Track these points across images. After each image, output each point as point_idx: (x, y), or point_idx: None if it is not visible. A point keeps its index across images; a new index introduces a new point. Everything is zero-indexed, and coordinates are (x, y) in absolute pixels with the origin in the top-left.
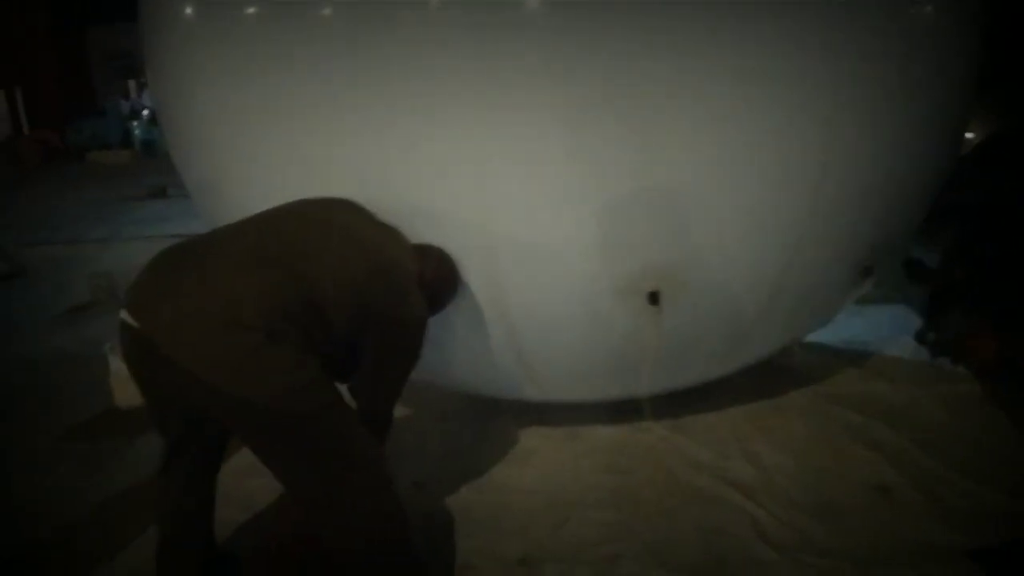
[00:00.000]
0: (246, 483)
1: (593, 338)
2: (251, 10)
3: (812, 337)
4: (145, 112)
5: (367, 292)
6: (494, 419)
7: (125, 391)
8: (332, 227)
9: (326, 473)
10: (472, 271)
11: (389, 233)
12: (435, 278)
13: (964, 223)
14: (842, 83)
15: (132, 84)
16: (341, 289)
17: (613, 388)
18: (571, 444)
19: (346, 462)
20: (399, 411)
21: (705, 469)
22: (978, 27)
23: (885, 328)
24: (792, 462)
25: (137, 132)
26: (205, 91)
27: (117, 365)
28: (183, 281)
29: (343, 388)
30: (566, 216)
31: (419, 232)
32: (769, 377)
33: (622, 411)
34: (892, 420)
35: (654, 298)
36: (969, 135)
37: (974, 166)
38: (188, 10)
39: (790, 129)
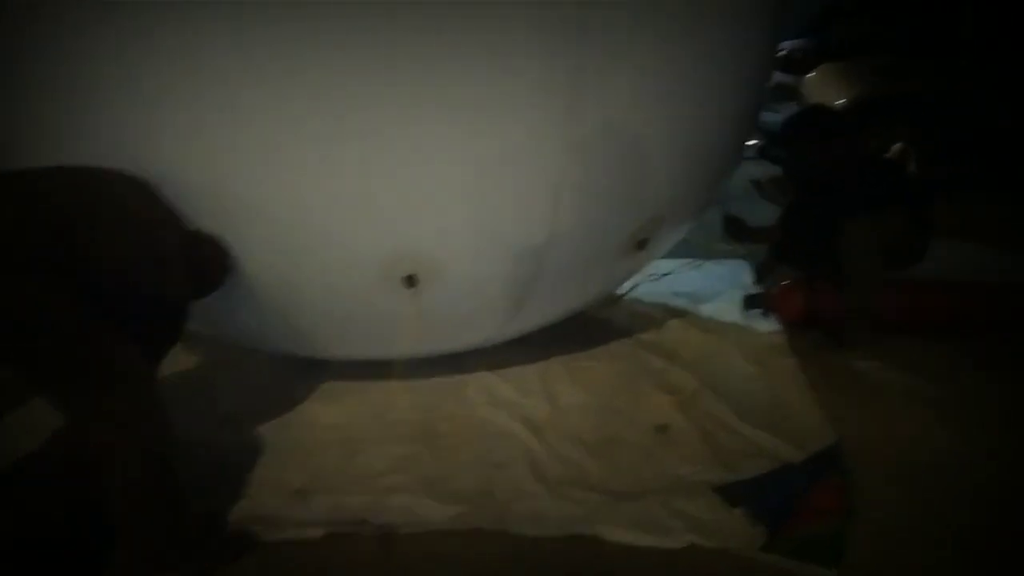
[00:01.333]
0: None
1: (361, 312)
2: None
3: (645, 289)
4: None
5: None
6: (316, 362)
7: None
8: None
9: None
10: (257, 250)
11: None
12: (201, 258)
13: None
14: (584, 56)
15: None
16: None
17: (385, 351)
18: (385, 384)
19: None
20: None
21: (504, 406)
22: None
23: (720, 282)
24: (588, 402)
25: None
26: None
27: None
28: None
29: None
30: (331, 202)
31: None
32: (591, 326)
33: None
34: (694, 367)
35: (411, 281)
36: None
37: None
38: None
39: (529, 111)
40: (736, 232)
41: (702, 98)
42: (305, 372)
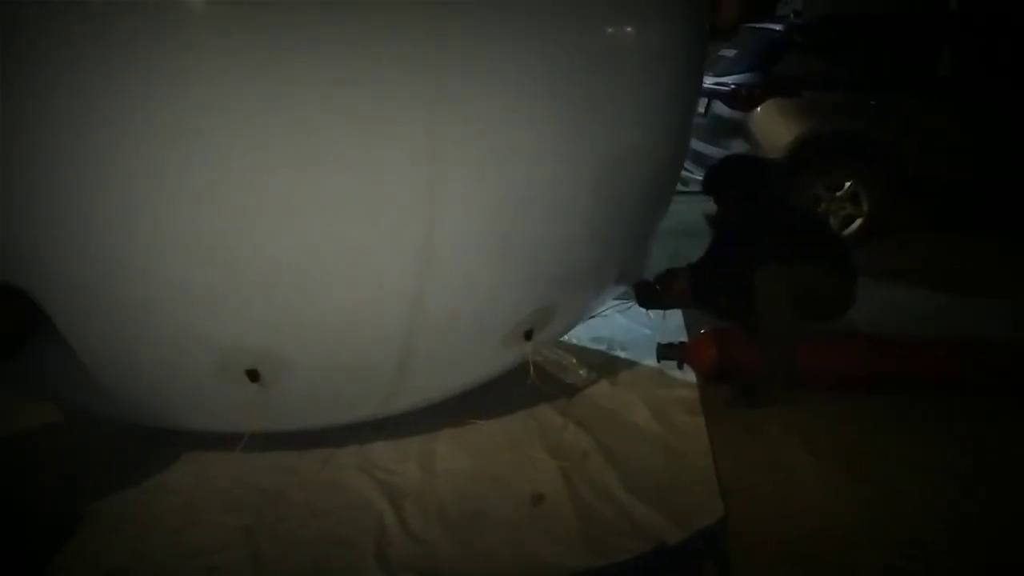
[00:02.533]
0: None
1: (204, 394)
2: None
3: (569, 335)
4: None
5: None
6: None
7: None
8: None
9: None
10: (89, 323)
11: None
12: None
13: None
14: (439, 147)
15: None
16: None
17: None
18: (271, 444)
19: None
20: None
21: (374, 472)
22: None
23: (645, 328)
24: (465, 467)
25: None
26: None
27: None
28: None
29: None
30: (163, 282)
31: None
32: (500, 376)
33: None
34: (592, 425)
35: (253, 376)
36: None
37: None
38: None
39: (390, 188)
40: (646, 300)
41: (594, 169)
42: (165, 436)
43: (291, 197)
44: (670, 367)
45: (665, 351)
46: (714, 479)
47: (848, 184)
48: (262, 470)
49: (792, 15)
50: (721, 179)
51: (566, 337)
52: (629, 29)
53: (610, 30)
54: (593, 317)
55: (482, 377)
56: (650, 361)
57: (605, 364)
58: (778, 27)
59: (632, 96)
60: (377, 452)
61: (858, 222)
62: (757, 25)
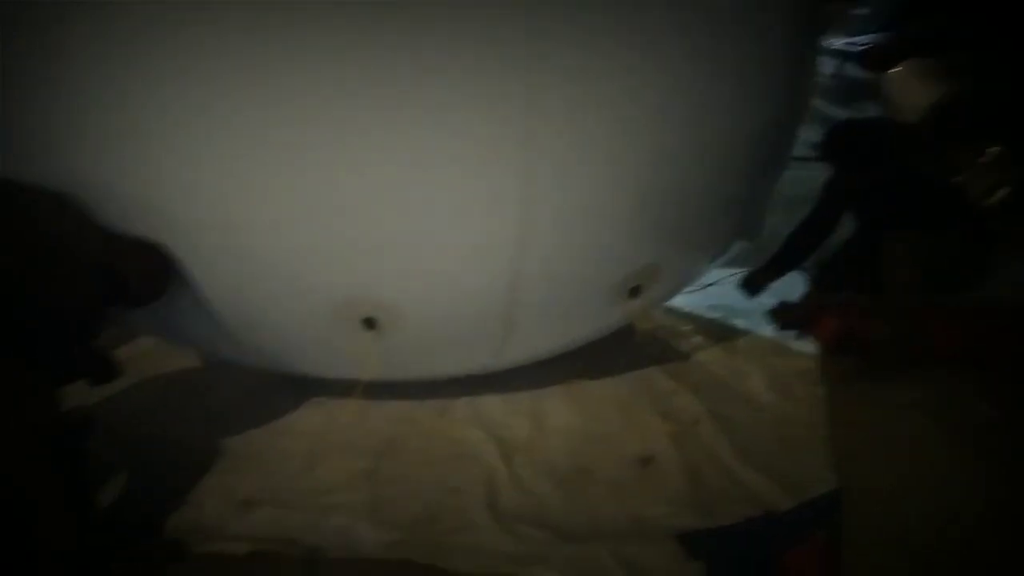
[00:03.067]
0: None
1: (323, 342)
2: None
3: (680, 299)
4: None
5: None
6: None
7: None
8: None
9: None
10: (220, 272)
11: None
12: (129, 272)
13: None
14: (542, 91)
15: None
16: None
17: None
18: (390, 394)
19: None
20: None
21: (484, 427)
22: None
23: (767, 296)
24: (577, 425)
25: None
26: None
27: None
28: None
29: None
30: (287, 237)
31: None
32: (613, 338)
33: None
34: (705, 391)
35: (370, 324)
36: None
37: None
38: None
39: (489, 156)
40: (753, 287)
41: (704, 124)
42: (293, 381)
43: (398, 156)
44: (788, 337)
45: (781, 318)
46: (828, 450)
47: (994, 150)
48: (381, 418)
49: None
50: (841, 143)
51: (680, 303)
52: None
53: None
54: (711, 285)
55: (589, 334)
56: (768, 330)
57: (721, 332)
58: None
59: (744, 51)
60: (489, 407)
61: (1004, 190)
62: None
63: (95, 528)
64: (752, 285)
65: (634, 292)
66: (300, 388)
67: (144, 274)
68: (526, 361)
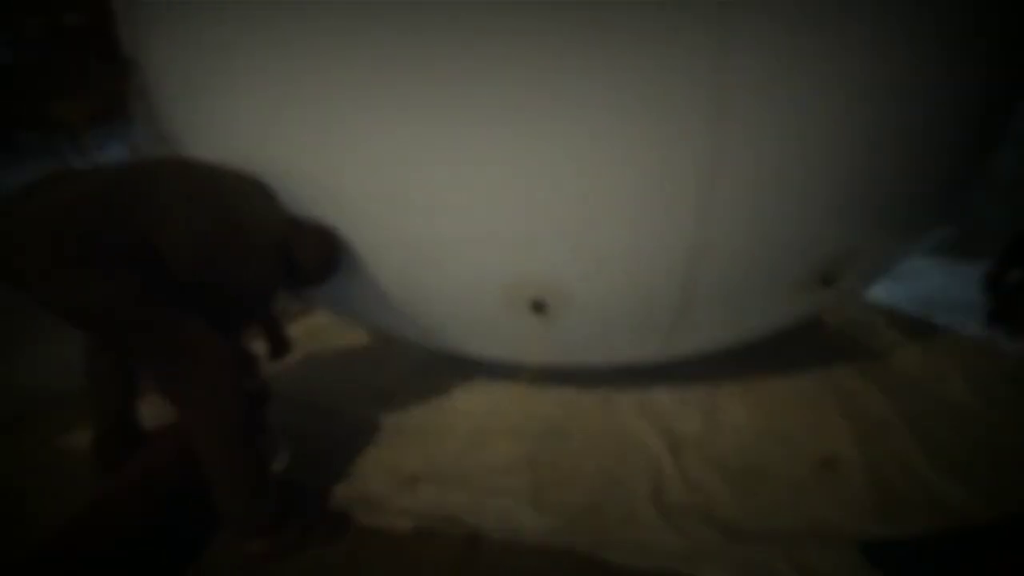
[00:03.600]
0: None
1: (491, 323)
2: None
3: (877, 290)
4: None
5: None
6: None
7: None
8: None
9: (167, 371)
10: (392, 254)
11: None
12: (305, 254)
13: None
14: (728, 79)
15: None
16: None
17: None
18: (555, 381)
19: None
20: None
21: (653, 418)
22: None
23: (972, 290)
24: (753, 422)
25: None
26: None
27: None
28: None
29: None
30: (457, 220)
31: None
32: (795, 334)
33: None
34: (896, 392)
35: (539, 307)
36: None
37: None
38: None
39: (670, 132)
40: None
41: (910, 93)
42: (460, 362)
43: (574, 137)
44: (999, 336)
45: (997, 316)
46: None
47: None
48: (546, 403)
49: None
50: None
51: (877, 294)
52: None
53: None
54: (911, 276)
55: (771, 326)
56: (973, 328)
57: (920, 328)
58: None
59: (945, 24)
60: (657, 399)
61: None
62: None
63: (268, 496)
64: (987, 283)
65: (827, 279)
66: (467, 369)
67: (319, 255)
68: (701, 352)
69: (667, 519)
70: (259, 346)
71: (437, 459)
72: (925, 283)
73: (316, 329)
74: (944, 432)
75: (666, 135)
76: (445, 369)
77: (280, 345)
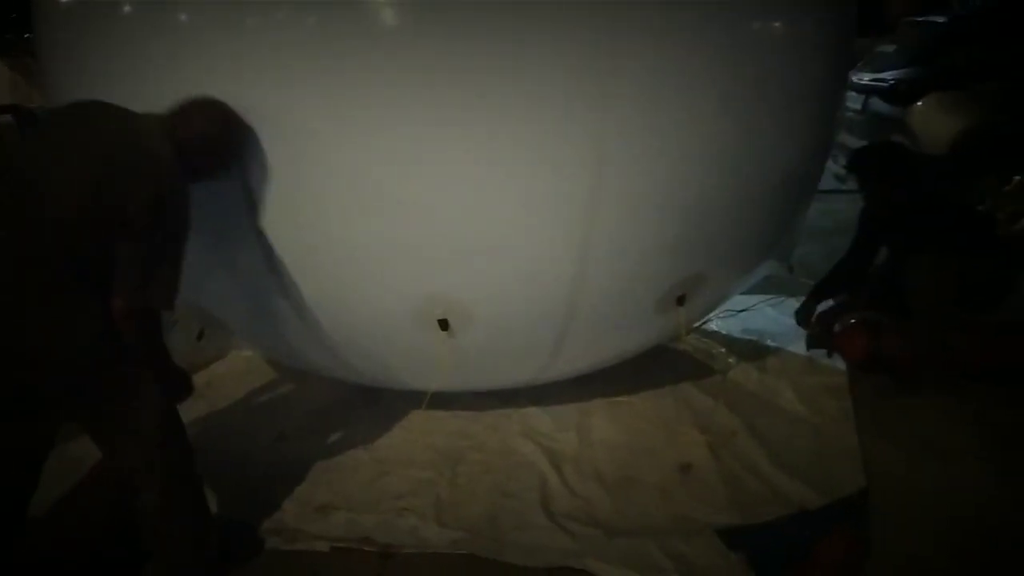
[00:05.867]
0: None
1: (400, 346)
2: None
3: (716, 324)
4: None
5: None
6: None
7: None
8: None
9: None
10: (307, 279)
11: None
12: (196, 136)
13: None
14: (609, 120)
15: None
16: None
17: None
18: (430, 412)
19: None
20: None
21: (536, 439)
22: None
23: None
24: (620, 439)
25: None
26: None
27: None
28: None
29: None
30: (370, 241)
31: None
32: (647, 361)
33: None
34: (740, 407)
35: (444, 325)
36: None
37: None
38: None
39: (556, 161)
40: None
41: (747, 144)
42: (363, 396)
43: (472, 158)
44: (820, 355)
45: (814, 339)
46: (858, 456)
47: (1017, 179)
48: (441, 432)
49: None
50: (869, 161)
51: (717, 328)
52: (777, 24)
53: (757, 25)
54: (744, 311)
55: (640, 343)
56: (799, 350)
57: (754, 352)
58: (941, 20)
59: (779, 83)
60: (538, 421)
61: None
62: (919, 19)
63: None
64: (803, 313)
65: (680, 301)
66: (366, 406)
67: (205, 124)
68: (575, 373)
69: (555, 523)
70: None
71: (346, 489)
72: (758, 316)
73: (217, 378)
74: (780, 437)
75: (555, 158)
76: (344, 408)
77: (181, 386)
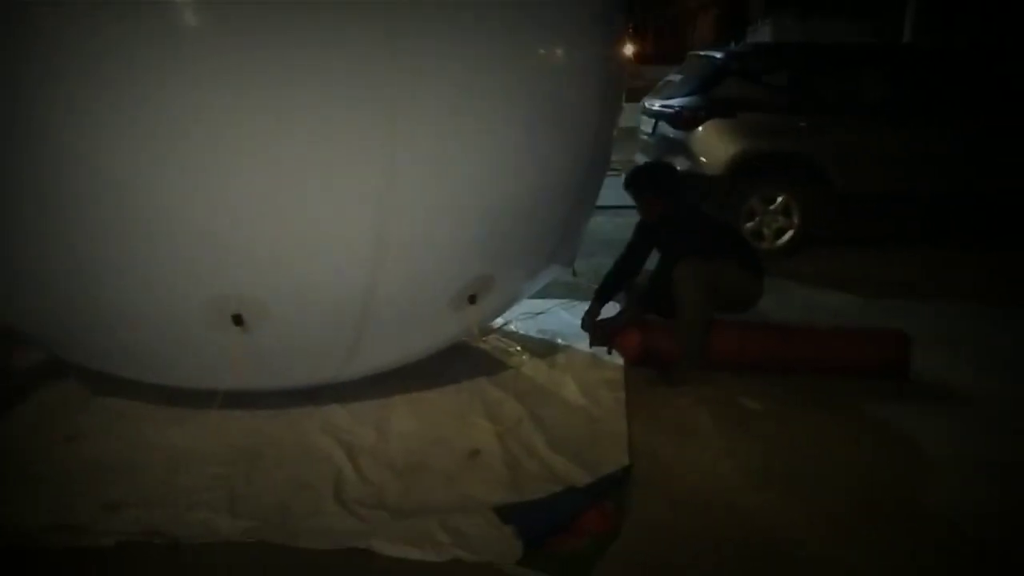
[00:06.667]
0: None
1: (193, 343)
2: None
3: (514, 326)
4: None
5: None
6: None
7: None
8: None
9: None
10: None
11: None
12: None
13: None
14: (404, 124)
15: None
16: None
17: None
18: (231, 411)
19: None
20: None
21: (334, 434)
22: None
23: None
24: (415, 430)
25: None
26: None
27: None
28: None
29: None
30: (163, 232)
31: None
32: (451, 358)
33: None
34: (528, 398)
35: (238, 320)
36: None
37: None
38: None
39: (352, 167)
40: (598, 340)
41: (528, 155)
42: (158, 395)
43: (270, 157)
44: (601, 352)
45: (595, 338)
46: (624, 440)
47: (780, 198)
48: (238, 430)
49: (732, 44)
50: (644, 179)
51: (515, 328)
52: (559, 51)
53: (542, 51)
54: (540, 313)
55: (435, 342)
56: (584, 348)
57: (546, 350)
58: (718, 55)
59: (554, 105)
60: (338, 417)
61: (790, 233)
62: (701, 53)
63: None
64: (587, 315)
65: (472, 299)
66: (163, 406)
67: None
68: (374, 370)
69: (346, 508)
70: None
71: (138, 486)
72: (553, 318)
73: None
74: (562, 425)
75: (349, 160)
76: (139, 408)
77: None
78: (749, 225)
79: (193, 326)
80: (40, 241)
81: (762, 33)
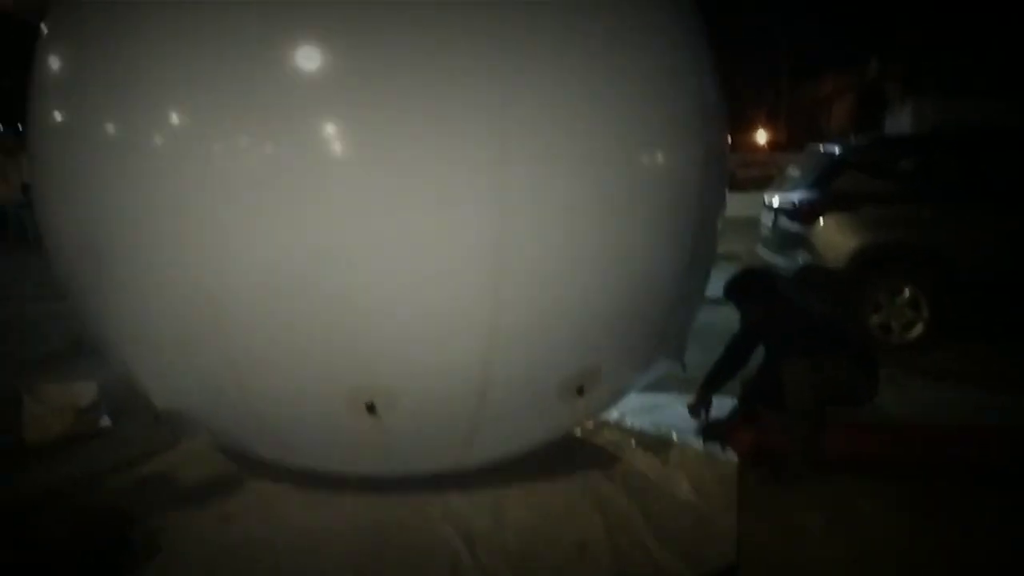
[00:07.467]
0: None
1: (328, 430)
2: None
3: (630, 420)
4: None
5: None
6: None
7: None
8: None
9: None
10: (250, 362)
11: None
12: None
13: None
14: (511, 214)
15: None
16: None
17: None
18: (373, 495)
19: None
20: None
21: (452, 518)
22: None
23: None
24: (531, 520)
25: None
26: None
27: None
28: None
29: None
30: (310, 330)
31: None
32: (567, 450)
33: None
34: (639, 494)
35: (371, 408)
36: None
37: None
38: None
39: (461, 264)
40: (695, 409)
41: (636, 249)
42: (299, 478)
43: (396, 268)
44: (714, 449)
45: (709, 435)
46: (734, 536)
47: (907, 290)
48: (366, 515)
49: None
50: (739, 288)
51: (630, 423)
52: (660, 156)
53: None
54: (655, 408)
55: (545, 433)
56: (697, 444)
57: (659, 445)
58: (836, 149)
59: (660, 206)
60: (457, 504)
61: (920, 326)
62: (820, 146)
63: None
64: (694, 407)
65: (580, 391)
66: (303, 488)
67: None
68: (492, 461)
69: None
70: None
71: (280, 569)
72: (665, 412)
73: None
74: (672, 520)
75: (467, 267)
76: (283, 492)
77: None
78: (875, 318)
79: (333, 415)
80: (200, 340)
81: (902, 117)
